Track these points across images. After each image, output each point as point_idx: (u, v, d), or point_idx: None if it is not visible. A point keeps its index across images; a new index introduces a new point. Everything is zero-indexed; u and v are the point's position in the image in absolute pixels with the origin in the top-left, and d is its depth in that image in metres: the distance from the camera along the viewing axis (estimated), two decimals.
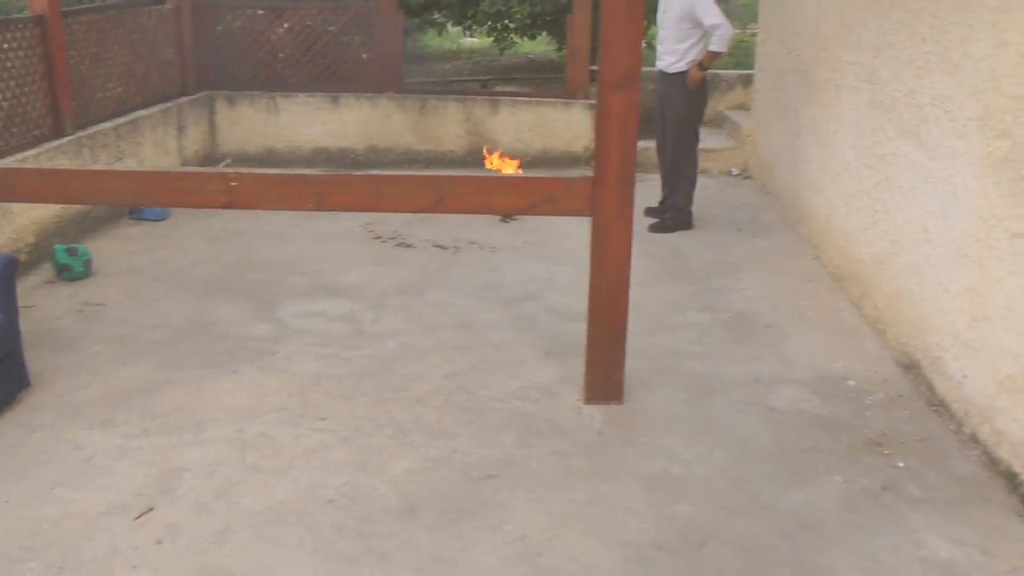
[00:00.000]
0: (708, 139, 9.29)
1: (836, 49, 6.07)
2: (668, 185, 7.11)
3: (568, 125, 8.66)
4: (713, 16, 6.48)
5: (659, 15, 6.79)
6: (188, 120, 8.13)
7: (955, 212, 4.28)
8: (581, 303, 5.41)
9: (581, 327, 5.03)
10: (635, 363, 4.41)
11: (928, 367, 4.47)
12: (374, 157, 8.69)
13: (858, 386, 4.50)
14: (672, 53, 6.69)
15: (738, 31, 17.35)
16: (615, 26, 3.66)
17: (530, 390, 4.32)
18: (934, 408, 4.28)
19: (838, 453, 3.84)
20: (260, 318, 5.09)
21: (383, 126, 8.64)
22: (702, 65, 6.65)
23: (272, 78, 8.71)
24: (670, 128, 6.91)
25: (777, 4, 7.73)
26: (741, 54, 14.63)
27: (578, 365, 4.44)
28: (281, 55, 8.64)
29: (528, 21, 10.48)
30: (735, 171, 8.78)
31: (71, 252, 5.67)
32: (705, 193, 8.10)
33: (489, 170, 7.67)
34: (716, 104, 10.08)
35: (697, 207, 7.58)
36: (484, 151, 8.15)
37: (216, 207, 3.92)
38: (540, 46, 13.39)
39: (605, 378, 4.10)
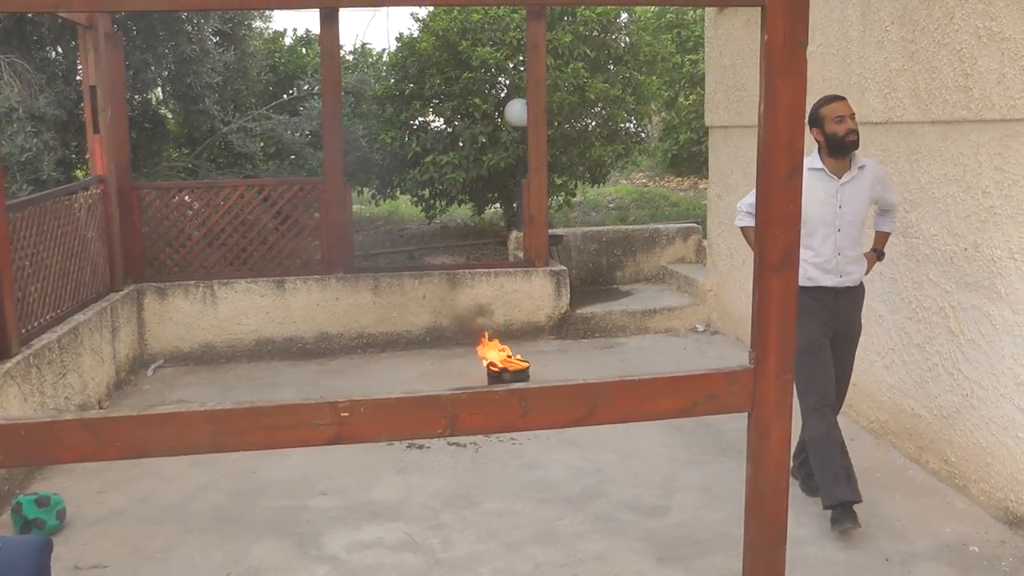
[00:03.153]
0: (662, 296, 9.15)
1: None
2: None
3: (530, 295, 8.29)
4: (893, 191, 5.08)
5: (821, 214, 4.59)
6: (120, 320, 7.30)
7: None
8: (652, 494, 5.00)
9: (671, 522, 4.61)
10: None
11: None
12: (325, 344, 8.04)
13: (982, 552, 4.26)
14: (857, 261, 4.70)
15: (651, 183, 17.74)
16: (775, 204, 3.31)
17: None
18: None
19: None
20: (309, 557, 4.33)
21: (334, 310, 8.03)
22: (882, 253, 5.02)
23: (208, 264, 8.02)
24: (850, 351, 4.85)
25: (742, 160, 7.69)
26: (671, 206, 14.83)
27: (704, 568, 4.05)
28: (218, 239, 7.96)
29: (460, 187, 10.24)
30: (700, 327, 8.57)
31: (41, 503, 4.66)
32: (684, 353, 7.88)
33: (483, 355, 7.17)
34: (657, 259, 9.98)
35: (688, 367, 7.31)
36: (482, 333, 7.67)
37: (322, 444, 3.27)
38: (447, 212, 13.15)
39: None
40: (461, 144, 10.34)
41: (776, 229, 3.35)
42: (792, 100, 3.29)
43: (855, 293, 4.73)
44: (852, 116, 4.49)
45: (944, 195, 4.96)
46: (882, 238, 4.99)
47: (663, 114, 16.11)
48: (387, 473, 5.34)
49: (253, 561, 4.30)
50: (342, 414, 3.21)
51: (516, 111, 9.72)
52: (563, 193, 11.46)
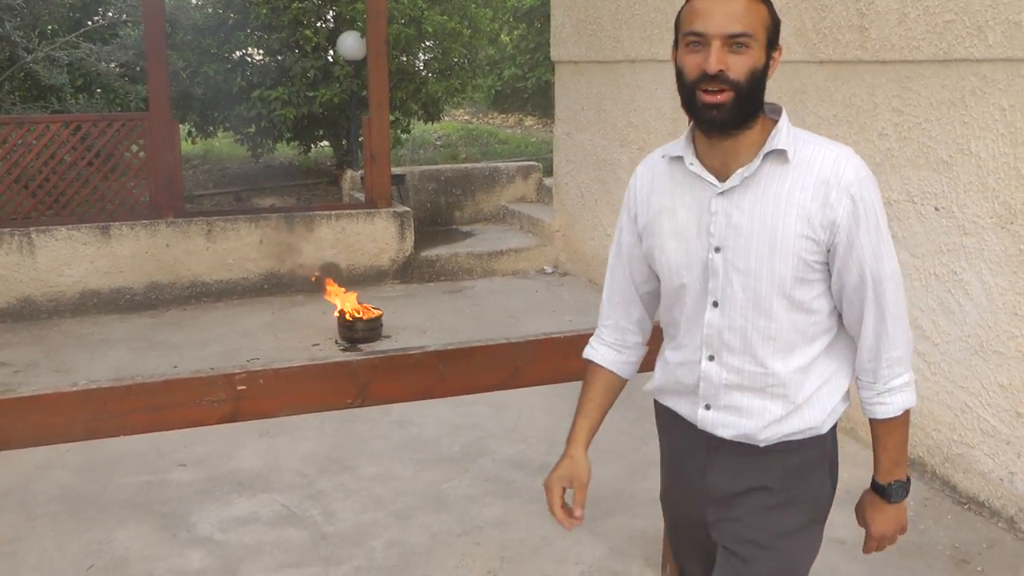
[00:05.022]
0: (506, 237, 8.97)
1: None
2: None
3: (373, 238, 7.92)
4: (892, 259, 1.89)
5: (677, 262, 1.99)
6: None
7: (969, 309, 4.15)
8: (538, 451, 4.82)
9: None
10: None
11: (942, 465, 4.37)
12: (156, 295, 7.41)
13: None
14: (768, 392, 1.96)
15: (475, 120, 17.35)
16: None
17: (601, 574, 3.63)
18: (966, 507, 4.18)
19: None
20: (180, 540, 3.90)
21: (164, 257, 7.39)
22: (895, 490, 2.00)
23: (23, 210, 7.20)
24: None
25: (595, 97, 7.52)
26: (500, 143, 14.55)
27: (610, 529, 3.95)
28: (33, 181, 7.15)
29: (288, 124, 9.63)
30: (549, 269, 8.45)
31: None
32: (537, 296, 7.73)
33: (329, 301, 6.75)
34: (497, 199, 9.76)
35: (545, 310, 7.20)
36: (326, 280, 7.19)
37: (216, 423, 2.88)
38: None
39: None
40: (291, 79, 9.72)
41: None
42: None
43: (755, 461, 2.02)
44: (734, 40, 1.77)
45: (833, 136, 4.91)
46: (887, 432, 1.97)
47: (487, 50, 15.81)
48: (249, 437, 4.92)
49: (117, 550, 3.84)
50: (239, 388, 2.86)
51: (350, 44, 9.21)
52: (397, 130, 11.04)
